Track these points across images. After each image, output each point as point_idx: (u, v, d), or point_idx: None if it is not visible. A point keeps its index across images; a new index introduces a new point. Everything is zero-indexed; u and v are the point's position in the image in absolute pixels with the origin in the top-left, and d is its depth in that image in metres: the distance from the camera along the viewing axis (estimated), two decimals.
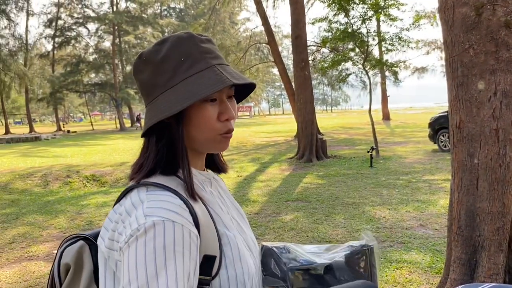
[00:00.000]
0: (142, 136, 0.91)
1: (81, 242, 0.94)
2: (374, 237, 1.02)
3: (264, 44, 22.98)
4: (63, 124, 51.68)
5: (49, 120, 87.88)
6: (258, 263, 0.98)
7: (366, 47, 11.69)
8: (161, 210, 0.77)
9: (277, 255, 1.00)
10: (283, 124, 32.03)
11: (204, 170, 1.01)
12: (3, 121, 42.03)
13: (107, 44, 44.51)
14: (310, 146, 12.11)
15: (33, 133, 34.97)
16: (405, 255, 4.48)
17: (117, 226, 0.79)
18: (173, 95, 0.85)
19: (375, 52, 14.38)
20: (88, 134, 32.66)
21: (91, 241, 0.93)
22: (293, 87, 14.42)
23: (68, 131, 38.10)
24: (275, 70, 39.22)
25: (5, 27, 26.57)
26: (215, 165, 1.08)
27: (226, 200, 1.02)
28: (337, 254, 1.00)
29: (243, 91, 1.03)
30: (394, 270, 4.11)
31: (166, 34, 47.34)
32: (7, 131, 39.23)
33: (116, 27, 40.40)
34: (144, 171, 0.86)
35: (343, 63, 13.13)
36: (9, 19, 24.29)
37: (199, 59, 0.87)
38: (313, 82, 31.08)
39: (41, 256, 5.08)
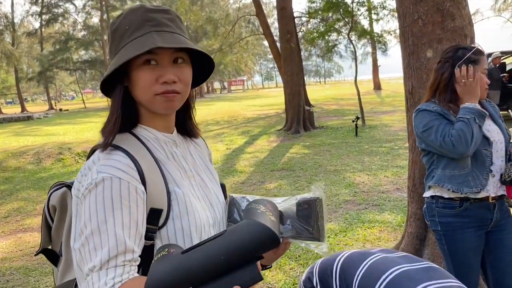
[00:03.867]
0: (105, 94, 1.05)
1: (64, 189, 1.14)
2: (324, 190, 1.07)
3: (254, 16, 22.82)
4: (55, 103, 51.34)
5: (41, 99, 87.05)
6: (220, 215, 1.12)
7: (351, 17, 11.75)
8: (110, 168, 0.91)
9: (238, 204, 1.11)
10: (275, 97, 32.07)
11: (171, 132, 1.11)
12: None
13: (95, 20, 43.82)
14: (298, 118, 12.32)
15: (25, 112, 34.84)
16: (378, 216, 4.77)
17: (82, 178, 0.96)
18: (115, 59, 0.97)
19: (365, 22, 14.42)
20: (80, 112, 32.61)
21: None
22: None
23: (60, 110, 38.00)
24: (267, 43, 38.99)
25: None
26: (185, 129, 1.18)
27: (195, 160, 1.16)
28: (289, 203, 1.07)
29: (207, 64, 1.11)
30: (365, 229, 4.41)
31: None
32: None
33: (104, 3, 39.72)
34: (106, 131, 1.00)
35: (329, 34, 13.19)
36: None
37: (140, 27, 0.96)
38: (305, 54, 31.08)
39: (35, 228, 5.33)
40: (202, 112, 23.80)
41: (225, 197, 1.20)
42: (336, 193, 5.76)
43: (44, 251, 1.16)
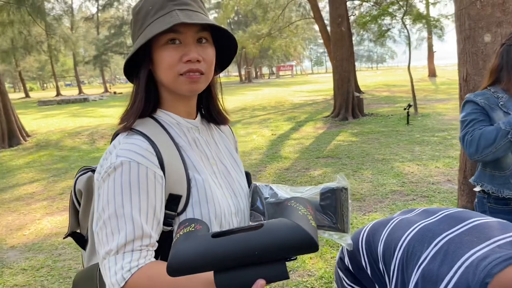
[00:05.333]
0: (129, 79, 1.06)
1: (89, 173, 1.15)
2: (348, 181, 1.03)
3: (304, 0, 22.42)
4: (110, 86, 53.44)
5: (97, 82, 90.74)
6: (243, 204, 1.11)
7: (406, 0, 11.24)
8: (129, 152, 0.91)
9: (261, 192, 1.08)
10: (324, 83, 31.59)
11: (194, 118, 1.10)
12: (55, 83, 44.01)
13: None
14: (346, 104, 12.06)
15: (81, 94, 36.55)
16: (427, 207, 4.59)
17: (103, 162, 0.97)
18: (138, 40, 0.96)
19: (421, 6, 13.73)
20: None
21: None
22: None
23: (115, 93, 39.46)
24: (317, 27, 38.32)
25: None
26: (210, 115, 1.16)
27: (219, 148, 1.15)
28: (313, 192, 1.04)
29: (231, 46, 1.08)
30: None
31: None
32: (58, 93, 41.19)
33: None
34: (128, 115, 1.01)
35: (382, 18, 12.70)
36: None
37: (164, 6, 0.95)
38: (357, 39, 30.25)
39: None
40: (248, 97, 23.89)
41: (250, 185, 1.17)
42: (383, 183, 5.60)
43: (72, 234, 1.18)
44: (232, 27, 46.50)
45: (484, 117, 1.84)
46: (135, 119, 0.99)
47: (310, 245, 0.72)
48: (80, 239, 1.18)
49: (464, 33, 2.64)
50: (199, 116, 1.12)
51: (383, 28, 14.41)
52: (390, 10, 12.53)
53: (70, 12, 37.88)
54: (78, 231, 1.19)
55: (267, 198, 1.04)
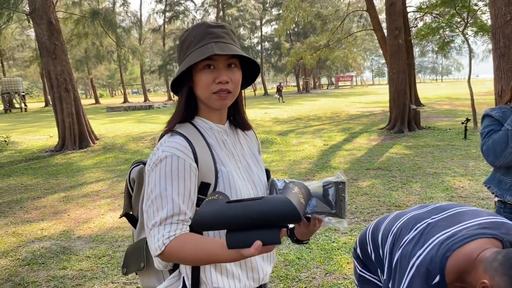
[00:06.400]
0: (174, 93, 1.35)
1: (141, 165, 1.46)
2: (345, 177, 1.23)
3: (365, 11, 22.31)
4: (173, 94, 55.58)
5: (162, 90, 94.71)
6: (261, 194, 1.34)
7: (467, 12, 10.95)
8: (172, 148, 1.18)
9: (277, 185, 1.31)
10: (383, 95, 30.97)
11: (223, 124, 1.35)
12: (122, 91, 46.70)
13: (212, 17, 46.43)
14: (402, 117, 11.90)
15: (147, 102, 38.46)
16: None
17: (152, 156, 1.25)
18: (182, 64, 1.22)
19: (485, 16, 13.22)
20: None
21: None
22: None
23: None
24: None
25: (121, 5, 29.39)
26: (238, 123, 1.42)
27: (243, 148, 1.41)
28: (317, 185, 1.25)
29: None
30: None
31: (267, 5, 47.79)
32: (125, 100, 43.69)
33: (220, 0, 41.90)
34: (172, 121, 1.30)
35: (441, 30, 12.42)
36: None
37: (202, 39, 1.20)
38: (419, 50, 29.46)
39: None
40: (305, 107, 24.02)
41: (268, 180, 1.42)
42: (431, 196, 5.58)
43: (126, 215, 1.49)
44: (292, 38, 46.90)
45: (499, 128, 1.97)
46: (176, 124, 1.28)
47: (293, 215, 0.94)
48: (132, 219, 1.49)
49: (499, 50, 2.72)
50: (227, 122, 1.39)
51: (445, 40, 14.05)
52: (453, 21, 12.22)
53: (138, 24, 40.18)
54: (131, 212, 1.49)
55: (280, 189, 1.27)
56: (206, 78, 1.22)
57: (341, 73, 64.90)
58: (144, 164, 1.46)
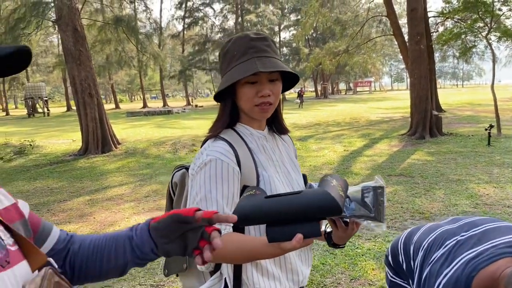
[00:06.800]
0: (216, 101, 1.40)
1: (183, 170, 1.54)
2: (384, 182, 1.23)
3: (385, 17, 22.17)
4: (192, 99, 56.20)
5: (180, 96, 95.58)
6: None
7: (491, 17, 10.79)
8: (216, 152, 1.23)
9: (314, 188, 1.32)
10: (403, 100, 30.65)
11: (263, 130, 1.40)
12: (142, 96, 47.30)
13: (230, 23, 46.76)
14: (424, 123, 11.78)
15: (166, 107, 38.87)
16: None
17: (196, 160, 1.31)
18: (226, 78, 1.27)
19: (509, 21, 12.99)
20: (214, 108, 35.08)
21: None
22: None
23: (196, 106, 41.52)
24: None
25: (143, 11, 29.89)
26: (276, 128, 1.47)
27: (281, 153, 1.45)
28: (356, 189, 1.26)
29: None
30: None
31: (285, 11, 47.90)
32: (145, 105, 44.27)
33: (239, 6, 42.17)
34: (215, 127, 1.36)
35: (463, 36, 12.27)
36: (146, 6, 27.41)
37: (245, 53, 1.25)
38: (440, 55, 29.10)
39: None
40: (323, 113, 23.95)
41: (306, 184, 1.46)
42: (455, 203, 5.52)
43: None
44: (310, 43, 46.87)
45: None
46: (221, 131, 1.34)
47: (333, 207, 0.95)
48: None
49: None
50: (266, 128, 1.44)
51: (467, 45, 13.87)
52: (475, 26, 12.07)
53: (159, 30, 40.71)
54: None
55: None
56: (249, 92, 1.27)
57: (360, 78, 64.50)
58: (186, 168, 1.52)
